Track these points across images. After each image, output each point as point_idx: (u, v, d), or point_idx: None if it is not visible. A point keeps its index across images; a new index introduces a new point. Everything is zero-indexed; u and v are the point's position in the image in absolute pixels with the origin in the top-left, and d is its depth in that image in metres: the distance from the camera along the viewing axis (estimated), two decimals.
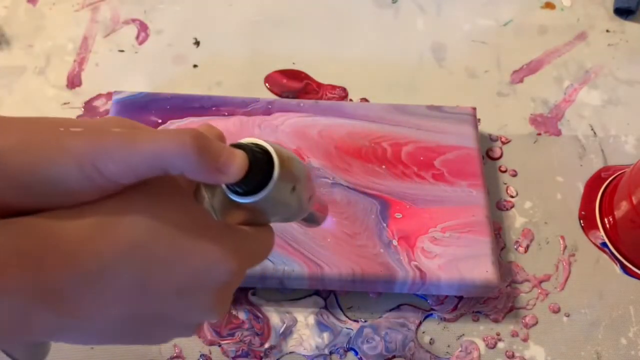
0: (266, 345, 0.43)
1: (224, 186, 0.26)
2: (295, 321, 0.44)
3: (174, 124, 0.48)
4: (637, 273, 0.47)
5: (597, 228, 0.49)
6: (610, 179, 0.51)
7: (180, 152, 0.22)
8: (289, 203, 0.27)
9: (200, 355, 0.42)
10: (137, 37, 0.59)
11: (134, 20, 0.60)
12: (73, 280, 0.21)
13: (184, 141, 0.22)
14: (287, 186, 0.26)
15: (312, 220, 0.33)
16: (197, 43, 0.59)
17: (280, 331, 0.44)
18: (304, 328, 0.44)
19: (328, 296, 0.45)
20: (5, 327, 0.20)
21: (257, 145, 0.25)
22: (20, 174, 0.21)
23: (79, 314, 0.22)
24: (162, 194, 0.24)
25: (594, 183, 0.51)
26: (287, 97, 0.55)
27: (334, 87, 0.57)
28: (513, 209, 0.50)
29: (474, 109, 0.51)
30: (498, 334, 0.44)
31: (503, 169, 0.52)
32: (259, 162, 0.25)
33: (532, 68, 0.59)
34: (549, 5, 0.64)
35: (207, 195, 0.27)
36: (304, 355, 0.43)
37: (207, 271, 0.24)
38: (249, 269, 0.27)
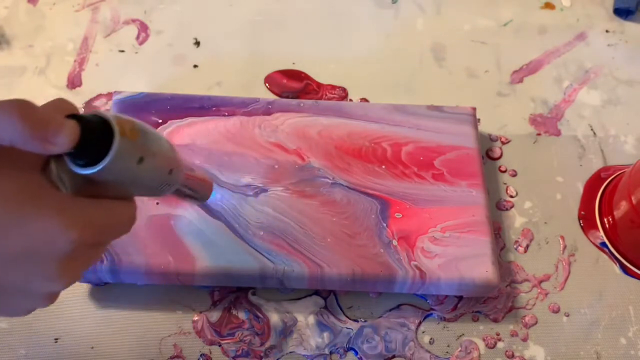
0: (266, 345, 0.43)
1: (66, 158, 0.25)
2: (295, 321, 0.44)
3: (174, 124, 0.48)
4: (636, 273, 0.47)
5: (597, 228, 0.49)
6: (610, 179, 0.52)
7: (4, 120, 0.22)
8: (139, 175, 0.27)
9: (200, 355, 0.43)
10: (138, 37, 0.59)
11: (134, 21, 0.60)
12: None
13: (8, 110, 0.22)
14: (132, 157, 0.26)
15: (189, 195, 0.33)
16: (197, 43, 0.59)
17: (280, 331, 0.44)
18: (304, 328, 0.44)
19: (328, 296, 0.45)
20: None
21: (96, 115, 0.25)
22: None
23: None
24: (6, 162, 0.24)
25: (593, 183, 0.51)
26: (287, 97, 0.56)
27: (334, 87, 0.57)
28: (513, 209, 0.50)
29: (474, 109, 0.51)
30: (498, 334, 0.44)
31: (503, 169, 0.52)
32: (94, 132, 0.25)
33: (531, 68, 0.59)
34: (549, 6, 0.64)
35: (56, 169, 0.26)
36: (304, 355, 0.43)
37: (45, 239, 0.24)
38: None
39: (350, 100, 0.56)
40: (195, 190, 0.34)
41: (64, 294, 0.44)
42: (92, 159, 0.25)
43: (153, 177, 0.28)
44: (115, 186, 0.27)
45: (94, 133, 0.25)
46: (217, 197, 0.45)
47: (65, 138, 0.24)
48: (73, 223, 0.25)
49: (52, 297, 0.28)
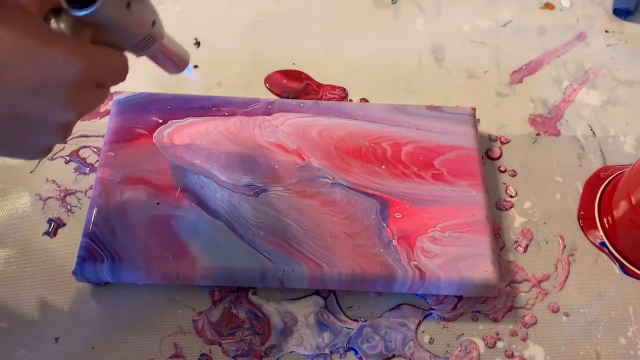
0: (266, 345, 0.43)
1: (64, 4, 0.29)
2: (295, 321, 0.44)
3: (174, 124, 0.48)
4: (636, 273, 0.47)
5: (596, 228, 0.49)
6: (609, 179, 0.52)
7: None
8: (127, 20, 0.31)
9: (201, 355, 0.43)
10: None
11: None
12: None
13: None
14: (122, 0, 0.30)
15: (168, 57, 0.37)
16: (197, 43, 0.59)
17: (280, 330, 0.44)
18: (304, 328, 0.44)
19: (328, 296, 0.45)
20: None
21: None
22: None
23: None
24: (9, 13, 0.27)
25: (593, 183, 0.52)
26: (287, 97, 0.56)
27: (334, 87, 0.57)
28: (512, 209, 0.50)
29: (474, 109, 0.51)
30: (497, 334, 0.44)
31: (502, 169, 0.52)
32: None
33: (531, 68, 0.59)
34: (548, 6, 0.64)
35: (55, 21, 0.30)
36: (304, 355, 0.43)
37: (55, 69, 0.28)
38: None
39: (350, 100, 0.56)
40: (172, 54, 0.38)
41: (64, 294, 0.44)
42: (87, 1, 0.29)
43: (139, 24, 0.32)
44: (107, 34, 0.31)
45: None
46: (217, 196, 0.45)
47: None
48: (79, 55, 0.29)
49: (66, 130, 0.32)
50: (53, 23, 0.30)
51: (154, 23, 0.33)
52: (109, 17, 0.30)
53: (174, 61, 0.38)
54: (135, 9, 0.31)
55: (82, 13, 0.29)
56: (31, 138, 0.30)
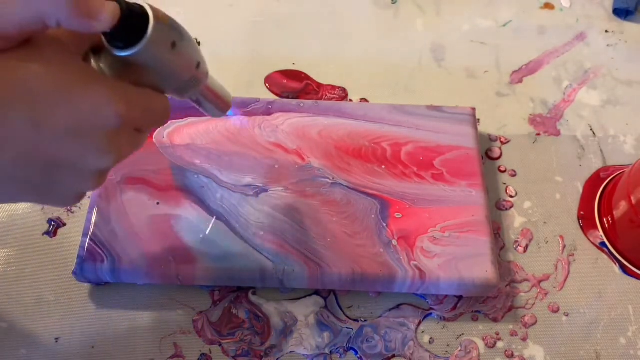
0: (266, 345, 0.43)
1: (106, 43, 0.27)
2: (295, 321, 0.44)
3: (174, 124, 0.48)
4: (636, 273, 0.47)
5: (596, 228, 0.49)
6: (609, 179, 0.52)
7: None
8: (172, 61, 0.29)
9: (201, 355, 0.43)
10: None
11: None
12: None
13: None
14: (166, 41, 0.28)
15: (211, 101, 0.35)
16: (197, 43, 0.59)
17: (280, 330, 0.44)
18: (304, 328, 0.44)
19: (328, 296, 0.45)
20: None
21: (128, 2, 0.27)
22: None
23: None
24: (50, 50, 0.26)
25: (593, 183, 0.52)
26: (287, 97, 0.56)
27: (334, 87, 0.57)
28: (512, 209, 0.50)
29: (474, 109, 0.51)
30: (497, 334, 0.44)
31: (502, 169, 0.52)
32: (133, 12, 0.27)
33: (531, 68, 0.59)
34: (548, 6, 0.64)
35: (95, 60, 0.29)
36: (304, 355, 0.43)
37: (94, 112, 0.27)
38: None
39: (350, 100, 0.56)
40: (216, 96, 0.36)
41: (64, 294, 0.44)
42: (131, 41, 0.27)
43: (184, 66, 0.30)
44: (150, 76, 0.29)
45: (131, 14, 0.27)
46: (217, 196, 0.45)
47: (107, 16, 0.26)
48: (119, 98, 0.27)
49: (101, 176, 0.30)
50: (93, 62, 0.29)
51: (198, 65, 0.31)
52: (153, 58, 0.28)
53: (216, 104, 0.36)
54: (180, 49, 0.29)
55: (125, 53, 0.27)
56: (64, 184, 0.29)
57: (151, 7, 0.28)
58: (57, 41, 0.27)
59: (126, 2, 0.27)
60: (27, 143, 0.26)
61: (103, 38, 0.28)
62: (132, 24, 0.27)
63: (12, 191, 0.28)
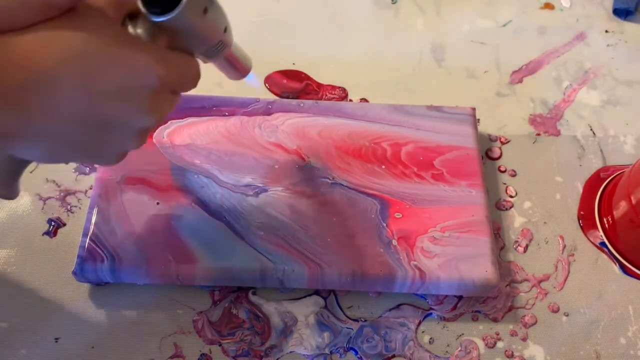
0: (266, 345, 0.43)
1: (143, 10, 0.29)
2: (295, 321, 0.44)
3: (174, 124, 0.48)
4: (636, 273, 0.47)
5: (596, 228, 0.49)
6: (609, 179, 0.52)
7: None
8: (203, 26, 0.31)
9: (201, 355, 0.43)
10: None
11: None
12: (27, 82, 0.25)
13: None
14: (200, 5, 0.30)
15: (234, 65, 0.37)
16: None
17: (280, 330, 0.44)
18: (304, 327, 0.44)
19: (328, 296, 0.45)
20: None
21: None
22: None
23: (35, 113, 0.26)
24: (92, 17, 0.28)
25: (593, 183, 0.52)
26: (287, 97, 0.56)
27: (334, 87, 0.57)
28: (512, 209, 0.50)
29: (474, 109, 0.51)
30: (497, 334, 0.44)
31: (502, 169, 0.52)
32: None
33: (531, 68, 0.59)
34: (548, 6, 0.64)
35: (132, 26, 0.30)
36: (304, 355, 0.43)
37: (138, 74, 0.28)
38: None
39: (350, 100, 0.56)
40: (238, 60, 0.38)
41: (64, 294, 0.44)
42: (167, 7, 0.28)
43: (214, 29, 0.32)
44: (182, 40, 0.31)
45: None
46: (217, 196, 0.45)
47: None
48: (158, 62, 0.29)
49: (143, 136, 0.32)
50: (130, 28, 0.30)
51: (225, 29, 0.33)
52: (187, 23, 0.30)
53: (237, 68, 0.38)
54: (211, 14, 0.31)
55: (162, 19, 0.29)
56: (111, 143, 0.31)
57: None
58: (98, 8, 0.28)
59: None
60: (79, 106, 0.27)
61: (140, 4, 0.29)
62: None
63: (64, 152, 0.29)
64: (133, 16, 0.30)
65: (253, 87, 0.52)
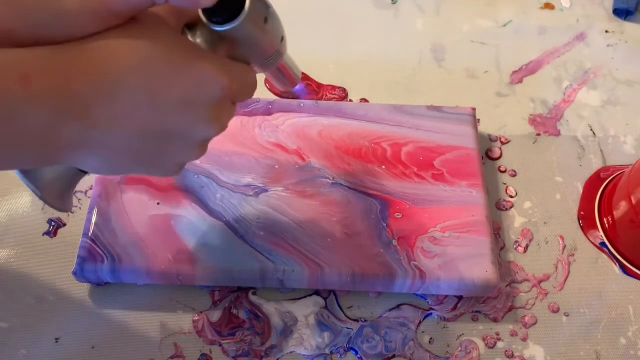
0: (267, 345, 0.43)
1: (204, 19, 0.28)
2: (295, 321, 0.44)
3: None
4: (636, 273, 0.47)
5: (596, 228, 0.49)
6: (609, 179, 0.52)
7: None
8: (263, 35, 0.30)
9: (201, 355, 0.43)
10: None
11: None
12: (93, 91, 0.25)
13: None
14: (261, 15, 0.29)
15: (287, 71, 0.37)
16: None
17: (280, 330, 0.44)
18: (304, 328, 0.44)
19: (328, 296, 0.45)
20: (36, 135, 0.24)
21: None
22: (35, 9, 0.24)
23: (100, 123, 0.25)
24: (154, 26, 0.27)
25: (593, 183, 0.52)
26: (287, 97, 0.56)
27: (333, 87, 0.57)
28: (512, 209, 0.50)
29: (474, 109, 0.51)
30: (497, 334, 0.44)
31: (502, 169, 0.52)
32: None
33: (531, 68, 0.59)
34: (548, 6, 0.64)
35: (191, 35, 0.30)
36: (304, 355, 0.43)
37: (202, 85, 0.28)
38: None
39: (350, 100, 0.56)
40: (289, 70, 0.37)
41: (64, 294, 0.44)
42: (228, 16, 0.28)
43: (272, 39, 0.32)
44: (241, 50, 0.31)
45: None
46: (217, 196, 0.45)
47: None
48: (222, 72, 0.28)
49: (203, 146, 0.31)
50: (189, 37, 0.29)
51: (282, 39, 0.33)
52: (247, 32, 0.29)
53: (288, 77, 0.38)
54: (270, 24, 0.30)
55: (224, 28, 0.28)
56: (172, 154, 0.30)
57: None
58: (159, 17, 0.28)
59: None
60: (143, 115, 0.27)
61: (201, 13, 0.29)
62: (231, 0, 0.28)
63: (124, 163, 0.29)
64: (192, 26, 0.29)
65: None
